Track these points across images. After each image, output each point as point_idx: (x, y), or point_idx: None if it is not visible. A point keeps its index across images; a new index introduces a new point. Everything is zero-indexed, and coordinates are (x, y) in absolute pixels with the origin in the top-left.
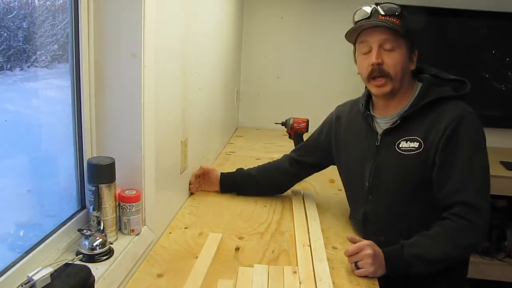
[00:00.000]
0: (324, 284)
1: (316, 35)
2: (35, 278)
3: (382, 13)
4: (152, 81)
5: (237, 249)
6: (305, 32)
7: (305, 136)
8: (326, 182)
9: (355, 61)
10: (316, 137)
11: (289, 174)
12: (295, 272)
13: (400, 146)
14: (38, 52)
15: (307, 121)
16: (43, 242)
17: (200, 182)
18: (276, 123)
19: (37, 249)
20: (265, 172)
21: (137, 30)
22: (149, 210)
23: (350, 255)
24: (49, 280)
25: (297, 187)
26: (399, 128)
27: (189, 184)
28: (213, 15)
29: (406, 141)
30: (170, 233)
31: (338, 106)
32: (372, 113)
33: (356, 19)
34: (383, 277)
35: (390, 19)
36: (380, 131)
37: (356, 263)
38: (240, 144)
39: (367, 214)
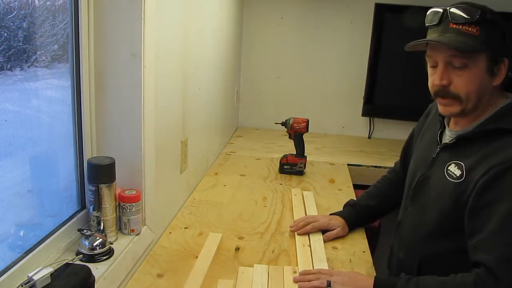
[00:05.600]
0: None
1: (316, 35)
2: (35, 278)
3: (454, 20)
4: (152, 81)
5: (237, 249)
6: (305, 32)
7: (305, 136)
8: (326, 182)
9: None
10: (409, 135)
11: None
12: (295, 272)
13: (449, 168)
14: (38, 52)
15: (307, 121)
16: (43, 242)
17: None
18: (276, 123)
19: (37, 249)
20: (383, 198)
21: (137, 30)
22: (149, 210)
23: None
24: (49, 280)
25: (297, 187)
26: (455, 148)
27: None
28: (213, 15)
29: (455, 165)
30: (170, 233)
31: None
32: (445, 120)
33: (426, 23)
34: None
35: (463, 28)
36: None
37: (329, 282)
38: (240, 144)
39: (402, 225)
